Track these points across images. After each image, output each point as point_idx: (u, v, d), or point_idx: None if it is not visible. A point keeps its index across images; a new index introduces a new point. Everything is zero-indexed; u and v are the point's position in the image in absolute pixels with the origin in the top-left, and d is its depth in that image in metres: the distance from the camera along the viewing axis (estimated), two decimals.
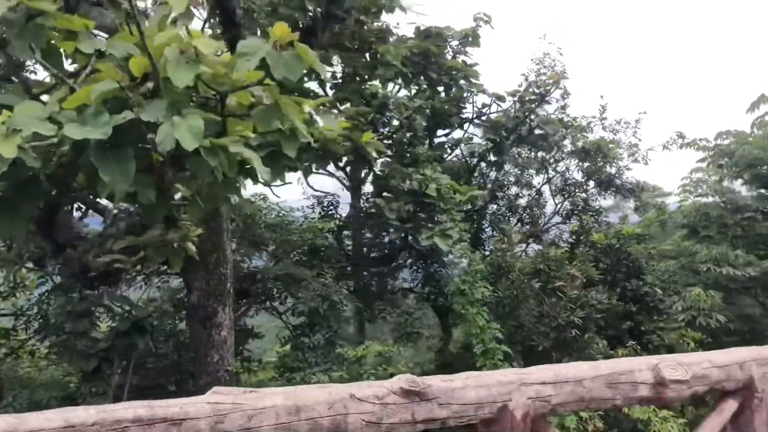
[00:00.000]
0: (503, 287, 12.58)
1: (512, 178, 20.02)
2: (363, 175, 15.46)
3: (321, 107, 6.05)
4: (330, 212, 15.62)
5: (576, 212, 17.78)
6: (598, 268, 14.34)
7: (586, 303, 12.97)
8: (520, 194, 19.41)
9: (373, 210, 13.70)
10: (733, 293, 15.06)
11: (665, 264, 14.89)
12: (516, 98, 15.77)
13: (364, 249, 14.95)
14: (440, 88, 16.19)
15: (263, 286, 12.21)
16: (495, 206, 19.89)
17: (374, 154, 8.35)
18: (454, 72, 15.72)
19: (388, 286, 14.85)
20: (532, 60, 20.59)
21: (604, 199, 17.99)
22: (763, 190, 15.27)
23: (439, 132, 16.59)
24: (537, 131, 15.67)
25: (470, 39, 17.56)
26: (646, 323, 14.10)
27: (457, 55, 17.02)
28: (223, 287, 11.34)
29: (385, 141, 14.37)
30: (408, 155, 13.06)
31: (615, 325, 14.35)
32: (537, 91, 15.60)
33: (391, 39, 15.23)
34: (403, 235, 12.71)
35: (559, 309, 12.54)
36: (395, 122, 13.66)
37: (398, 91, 16.22)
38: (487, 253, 14.19)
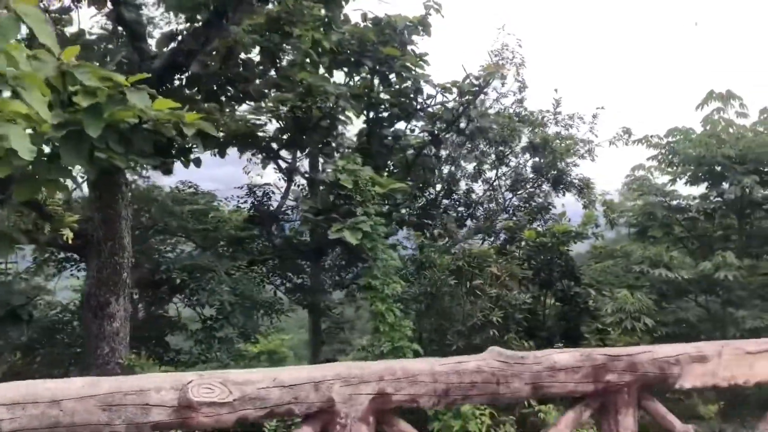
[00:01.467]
0: (419, 284, 12.06)
1: (468, 172, 19.61)
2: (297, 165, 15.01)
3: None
4: (264, 203, 15.15)
5: (523, 209, 17.26)
6: (530, 266, 13.85)
7: (507, 302, 12.43)
8: (472, 189, 18.92)
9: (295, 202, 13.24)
10: (672, 296, 14.52)
11: (602, 264, 14.33)
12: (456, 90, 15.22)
13: (294, 241, 14.47)
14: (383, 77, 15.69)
15: (168, 276, 11.75)
16: (447, 201, 19.49)
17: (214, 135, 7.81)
18: (394, 61, 15.19)
19: (316, 280, 14.39)
20: (490, 52, 20.16)
21: (558, 196, 17.46)
22: (705, 190, 14.67)
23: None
24: (476, 124, 15.10)
25: (419, 28, 17.09)
26: (582, 325, 13.60)
27: (406, 45, 16.51)
28: (118, 277, 10.93)
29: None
30: (327, 144, 12.56)
31: (549, 325, 13.89)
32: (476, 82, 15.02)
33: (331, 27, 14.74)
34: (314, 228, 12.20)
35: (476, 308, 12.02)
36: (315, 110, 13.10)
37: (349, 80, 15.79)
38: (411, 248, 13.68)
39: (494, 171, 19.27)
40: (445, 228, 15.70)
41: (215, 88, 14.88)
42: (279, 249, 14.39)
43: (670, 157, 15.24)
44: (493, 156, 18.27)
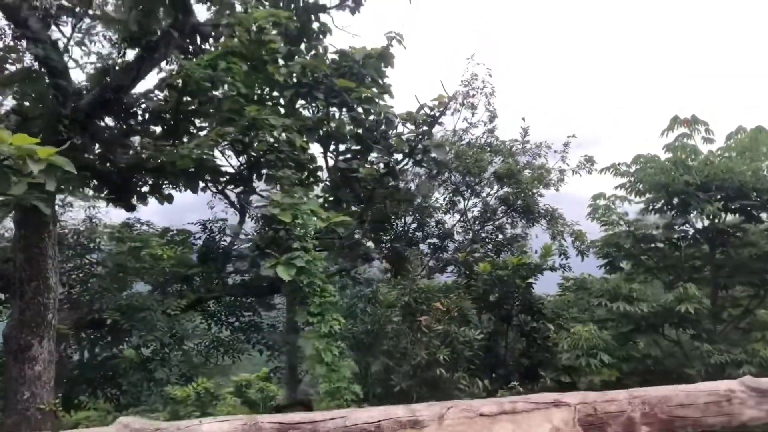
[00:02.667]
0: (362, 321, 11.58)
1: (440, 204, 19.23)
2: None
3: None
4: (217, 239, 14.79)
5: (490, 240, 16.76)
6: (485, 300, 13.31)
7: (455, 339, 11.87)
8: (441, 221, 18.47)
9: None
10: (643, 330, 13.85)
11: (564, 298, 13.75)
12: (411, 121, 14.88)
13: (245, 279, 14.06)
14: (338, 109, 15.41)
15: (99, 317, 11.37)
16: (420, 233, 19.07)
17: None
18: (349, 93, 14.91)
19: (262, 316, 13.95)
20: (461, 82, 19.93)
21: (527, 227, 16.94)
22: (670, 219, 14.09)
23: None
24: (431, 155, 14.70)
25: (378, 59, 16.88)
26: (541, 362, 13.00)
27: (365, 77, 16.26)
28: (41, 318, 10.60)
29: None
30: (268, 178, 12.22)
31: (509, 363, 13.30)
32: (430, 113, 14.68)
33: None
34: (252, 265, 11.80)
35: (421, 346, 11.48)
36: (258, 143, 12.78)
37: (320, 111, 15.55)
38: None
39: (466, 202, 18.88)
40: (399, 261, 15.26)
41: (172, 123, 14.77)
42: (229, 287, 13.98)
43: (638, 185, 14.71)
44: (464, 187, 17.86)
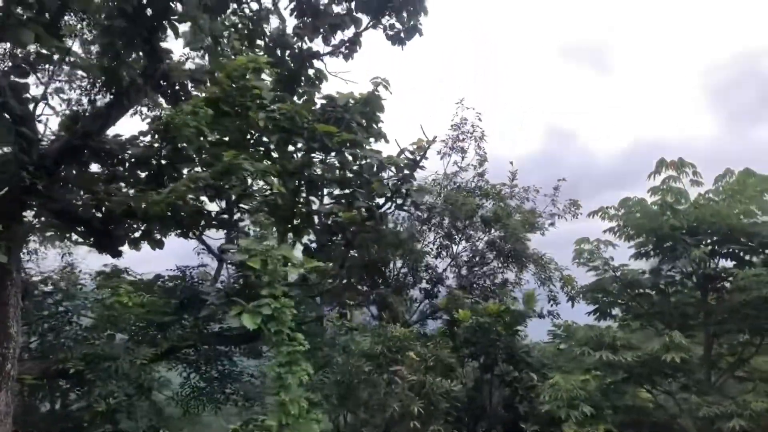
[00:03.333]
0: (335, 371, 11.21)
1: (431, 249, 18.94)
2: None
3: None
4: (195, 285, 14.53)
5: (478, 286, 16.38)
6: (464, 349, 12.91)
7: (431, 390, 11.44)
8: (430, 266, 18.13)
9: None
10: (629, 380, 13.31)
11: (550, 346, 13.29)
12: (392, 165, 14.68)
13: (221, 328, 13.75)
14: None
15: (64, 367, 11.08)
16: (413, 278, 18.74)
17: None
18: (330, 138, 14.78)
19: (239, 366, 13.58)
20: (451, 126, 19.87)
21: (514, 272, 16.55)
22: (654, 263, 13.67)
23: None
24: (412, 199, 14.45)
25: (364, 104, 16.84)
26: (527, 413, 12.50)
27: (351, 122, 16.18)
28: (0, 368, 10.27)
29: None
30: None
31: (489, 414, 12.82)
32: (410, 157, 14.49)
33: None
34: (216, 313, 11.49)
35: (393, 397, 11.06)
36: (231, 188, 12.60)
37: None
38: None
39: (456, 246, 18.57)
40: (386, 308, 14.92)
41: (157, 170, 14.72)
42: (206, 335, 13.66)
43: (626, 229, 14.34)
44: (452, 231, 17.59)
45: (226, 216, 13.52)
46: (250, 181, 13.12)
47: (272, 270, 11.56)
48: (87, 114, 11.88)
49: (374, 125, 18.38)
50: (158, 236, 14.04)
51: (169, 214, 13.40)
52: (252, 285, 12.10)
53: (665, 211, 13.67)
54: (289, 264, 12.07)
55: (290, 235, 14.89)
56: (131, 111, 15.68)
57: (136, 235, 14.71)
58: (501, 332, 12.86)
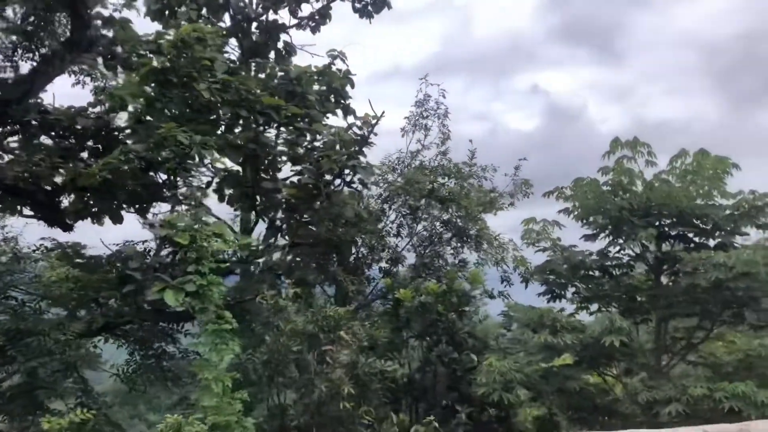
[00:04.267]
0: (261, 351, 10.93)
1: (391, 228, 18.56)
2: None
3: None
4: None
5: (431, 267, 16.07)
6: (406, 329, 12.64)
7: (363, 370, 11.18)
8: (388, 245, 17.78)
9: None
10: (579, 363, 13.04)
11: (490, 326, 13.04)
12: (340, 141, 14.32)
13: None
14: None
15: None
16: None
17: None
18: (281, 111, 14.39)
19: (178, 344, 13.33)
20: (414, 104, 19.47)
21: (468, 253, 16.26)
22: (601, 245, 13.40)
23: None
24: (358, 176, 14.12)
25: (319, 77, 16.45)
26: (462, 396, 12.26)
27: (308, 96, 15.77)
28: None
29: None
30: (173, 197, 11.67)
31: (429, 396, 12.57)
32: (359, 133, 14.14)
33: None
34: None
35: (323, 378, 10.79)
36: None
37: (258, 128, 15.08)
38: None
39: (416, 225, 18.21)
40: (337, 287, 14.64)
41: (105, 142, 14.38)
42: (145, 311, 13.36)
43: (579, 210, 14.03)
44: (407, 210, 17.24)
45: (169, 190, 13.17)
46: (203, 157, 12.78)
47: (200, 246, 11.23)
48: (8, 81, 11.49)
49: (342, 100, 18.11)
50: (95, 209, 13.78)
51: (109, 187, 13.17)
52: (182, 261, 11.79)
53: (617, 191, 13.37)
54: (220, 240, 11.75)
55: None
56: (73, 80, 15.35)
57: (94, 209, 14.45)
58: (442, 312, 12.57)
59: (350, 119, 15.59)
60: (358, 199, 17.02)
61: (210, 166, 14.94)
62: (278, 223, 15.91)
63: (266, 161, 15.04)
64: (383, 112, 16.27)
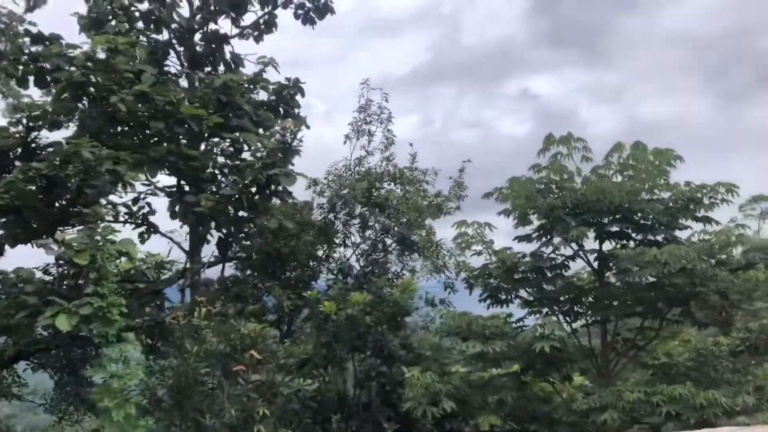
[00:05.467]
0: (166, 376, 10.33)
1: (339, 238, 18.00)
2: None
3: None
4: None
5: (375, 275, 15.50)
6: (333, 344, 12.06)
7: (279, 391, 10.59)
8: (331, 257, 17.22)
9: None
10: (525, 371, 12.53)
11: (427, 338, 12.48)
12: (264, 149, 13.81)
13: None
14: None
15: None
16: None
17: None
18: (198, 121, 13.87)
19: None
20: (357, 109, 19.02)
21: (407, 260, 15.71)
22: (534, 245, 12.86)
23: None
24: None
25: (251, 86, 16.01)
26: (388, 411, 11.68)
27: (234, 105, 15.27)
28: None
29: None
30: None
31: (352, 413, 12.00)
32: (282, 140, 13.63)
33: None
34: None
35: (233, 400, 10.20)
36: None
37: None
38: None
39: (361, 234, 17.67)
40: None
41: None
42: (60, 336, 12.74)
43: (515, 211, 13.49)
44: (349, 218, 16.71)
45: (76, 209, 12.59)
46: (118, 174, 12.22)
47: (101, 266, 10.67)
48: None
49: (291, 109, 17.62)
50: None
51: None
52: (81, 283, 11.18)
53: (550, 190, 12.87)
54: (127, 258, 11.22)
55: None
56: None
57: None
58: (371, 324, 12.00)
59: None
60: (302, 209, 16.52)
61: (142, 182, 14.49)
62: (209, 237, 15.38)
63: (193, 175, 14.51)
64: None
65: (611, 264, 12.95)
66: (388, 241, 16.28)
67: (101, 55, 13.94)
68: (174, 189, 14.88)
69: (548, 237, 12.87)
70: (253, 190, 13.85)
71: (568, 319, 13.42)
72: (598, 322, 13.15)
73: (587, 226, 12.52)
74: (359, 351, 12.41)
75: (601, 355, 13.42)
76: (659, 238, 12.89)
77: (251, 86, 16.13)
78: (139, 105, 13.54)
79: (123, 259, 11.08)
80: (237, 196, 13.59)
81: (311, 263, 17.08)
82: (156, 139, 14.19)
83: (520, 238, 13.00)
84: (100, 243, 10.78)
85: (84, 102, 14.07)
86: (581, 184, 12.96)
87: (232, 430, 10.35)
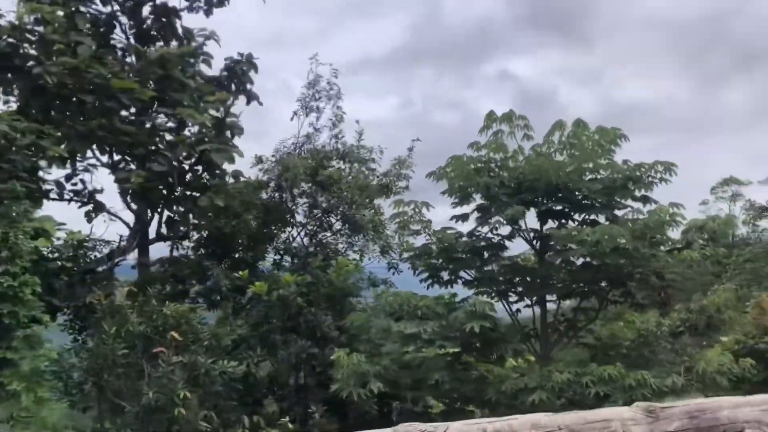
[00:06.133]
0: (82, 357, 10.02)
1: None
2: None
3: None
4: None
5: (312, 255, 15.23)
6: (264, 325, 11.81)
7: (202, 373, 10.31)
8: (275, 237, 16.90)
9: None
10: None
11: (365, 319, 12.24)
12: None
13: None
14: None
15: None
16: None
17: None
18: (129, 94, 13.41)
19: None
20: (305, 85, 18.65)
21: (350, 241, 15.46)
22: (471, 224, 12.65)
23: None
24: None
25: (191, 60, 15.54)
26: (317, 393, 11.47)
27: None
28: None
29: None
30: None
31: (278, 394, 11.77)
32: (216, 115, 13.24)
33: None
34: None
35: (152, 382, 9.90)
36: None
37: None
38: None
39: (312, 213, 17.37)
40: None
41: None
42: None
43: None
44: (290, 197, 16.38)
45: None
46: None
47: (14, 243, 10.27)
48: None
49: (243, 85, 17.19)
50: None
51: None
52: None
53: (489, 168, 12.65)
54: (42, 237, 10.82)
55: None
56: None
57: None
58: (303, 305, 11.75)
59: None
60: (246, 188, 16.17)
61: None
62: (149, 215, 14.99)
63: (126, 151, 14.08)
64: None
65: (551, 244, 12.82)
66: (334, 221, 15.98)
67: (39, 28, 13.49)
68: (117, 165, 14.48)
69: (486, 217, 12.65)
70: (186, 166, 13.47)
71: (508, 299, 13.29)
72: (537, 303, 13.02)
73: (526, 205, 12.35)
74: (294, 332, 12.15)
75: (541, 336, 13.34)
76: (601, 218, 12.78)
77: (191, 59, 15.68)
78: (68, 78, 13.06)
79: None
80: (166, 171, 13.19)
81: (255, 243, 16.80)
82: (91, 114, 13.70)
83: (456, 218, 12.77)
84: (15, 219, 10.40)
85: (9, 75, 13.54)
86: (520, 163, 12.77)
87: (151, 412, 10.07)
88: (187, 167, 13.49)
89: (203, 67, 16.26)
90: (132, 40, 17.32)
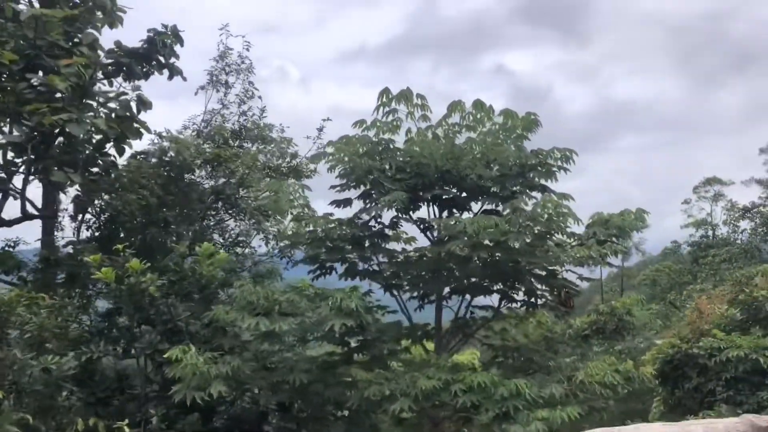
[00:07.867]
0: None
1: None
2: None
3: None
4: None
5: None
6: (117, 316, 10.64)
7: (21, 370, 9.12)
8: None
9: None
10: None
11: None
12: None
13: None
14: None
15: None
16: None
17: None
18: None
19: None
20: (213, 58, 17.40)
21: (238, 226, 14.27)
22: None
23: None
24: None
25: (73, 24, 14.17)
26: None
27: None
28: None
29: None
30: None
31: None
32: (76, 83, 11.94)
33: None
34: None
35: None
36: None
37: None
38: None
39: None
40: None
41: None
42: None
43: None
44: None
45: None
46: None
47: None
48: None
49: (165, 58, 15.80)
50: None
51: None
52: None
53: (376, 150, 11.54)
54: None
55: None
56: None
57: None
58: (155, 296, 10.55)
59: None
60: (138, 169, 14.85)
61: None
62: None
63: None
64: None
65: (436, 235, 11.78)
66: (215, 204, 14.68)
67: None
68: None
69: (368, 203, 11.53)
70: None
71: (399, 293, 12.23)
72: (426, 297, 11.98)
73: (414, 191, 11.27)
74: (150, 324, 10.98)
75: (435, 336, 12.32)
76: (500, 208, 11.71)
77: (78, 25, 14.31)
78: None
79: None
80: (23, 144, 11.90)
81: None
82: None
83: (337, 203, 11.64)
84: None
85: None
86: (406, 147, 11.68)
87: None
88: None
89: (125, 38, 14.94)
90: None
